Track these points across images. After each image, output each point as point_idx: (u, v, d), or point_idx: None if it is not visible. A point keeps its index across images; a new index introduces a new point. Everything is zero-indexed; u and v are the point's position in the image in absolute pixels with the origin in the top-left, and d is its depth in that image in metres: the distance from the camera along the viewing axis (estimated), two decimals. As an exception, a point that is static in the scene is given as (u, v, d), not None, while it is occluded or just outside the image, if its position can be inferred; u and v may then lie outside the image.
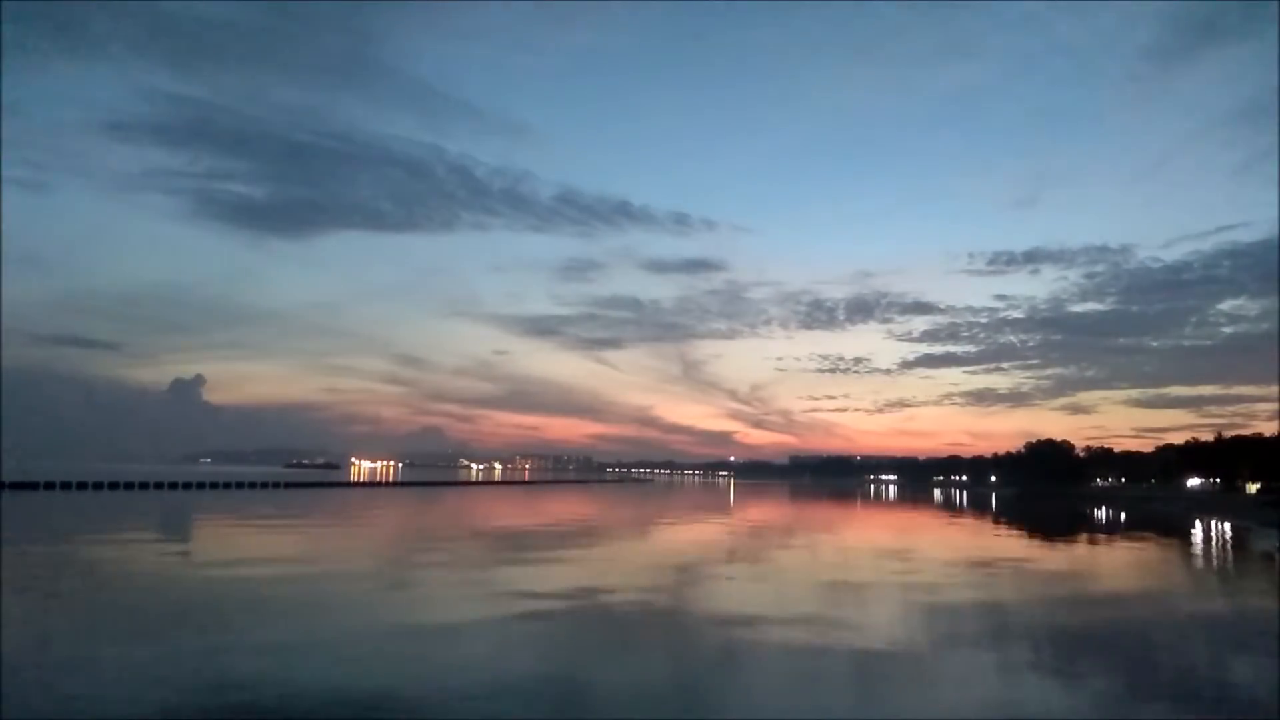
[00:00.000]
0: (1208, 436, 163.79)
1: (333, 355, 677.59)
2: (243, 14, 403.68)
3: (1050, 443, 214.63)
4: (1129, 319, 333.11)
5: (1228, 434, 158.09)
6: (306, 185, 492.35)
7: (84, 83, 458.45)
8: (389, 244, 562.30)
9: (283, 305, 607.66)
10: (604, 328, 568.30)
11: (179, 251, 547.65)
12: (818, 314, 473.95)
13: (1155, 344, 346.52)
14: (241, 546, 38.09)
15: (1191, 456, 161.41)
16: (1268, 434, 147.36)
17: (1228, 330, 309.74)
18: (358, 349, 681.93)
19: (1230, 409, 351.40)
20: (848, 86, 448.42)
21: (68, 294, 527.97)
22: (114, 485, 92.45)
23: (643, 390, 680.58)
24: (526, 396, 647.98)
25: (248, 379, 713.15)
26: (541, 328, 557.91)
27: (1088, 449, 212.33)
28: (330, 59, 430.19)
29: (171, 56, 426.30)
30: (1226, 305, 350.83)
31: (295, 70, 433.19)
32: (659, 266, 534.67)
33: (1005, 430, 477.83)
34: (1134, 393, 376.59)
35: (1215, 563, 44.85)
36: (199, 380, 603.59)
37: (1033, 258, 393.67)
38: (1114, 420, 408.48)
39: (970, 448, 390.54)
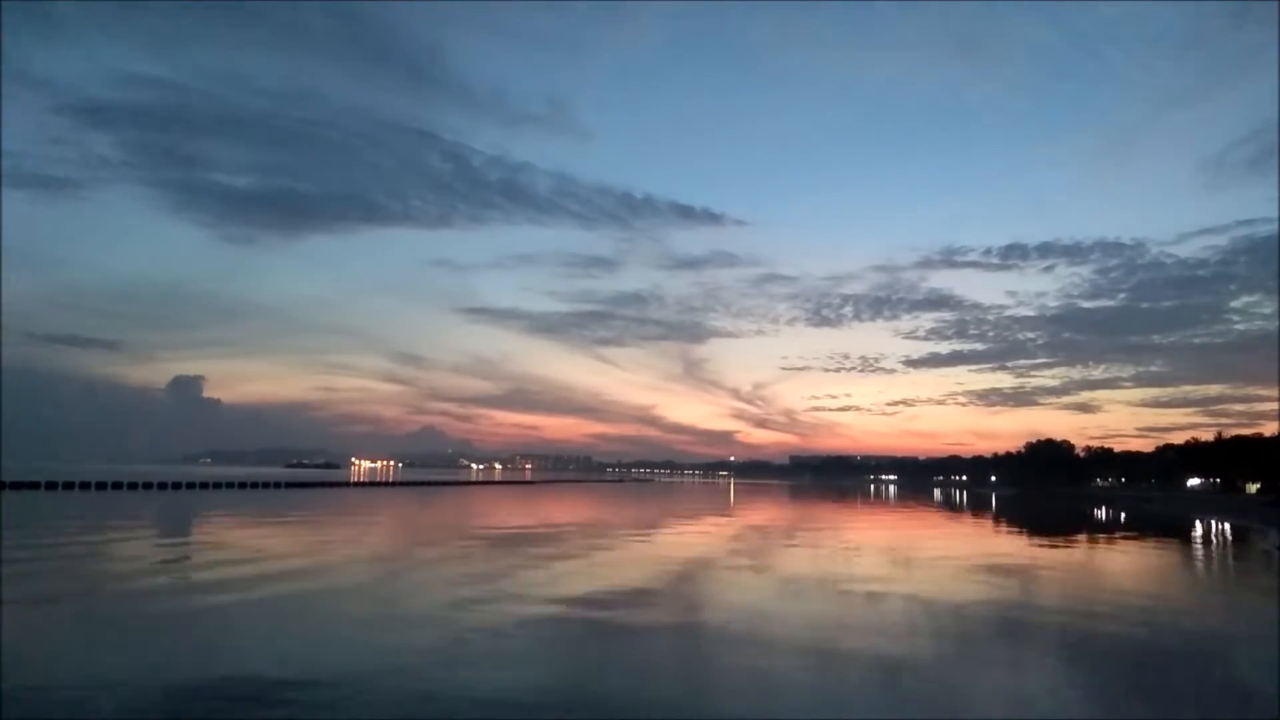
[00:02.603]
0: (1209, 437, 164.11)
1: (330, 353, 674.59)
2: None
3: (1050, 443, 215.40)
4: (1139, 316, 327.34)
5: (1237, 434, 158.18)
6: (295, 175, 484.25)
7: (57, 69, 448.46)
8: (385, 238, 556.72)
9: (277, 301, 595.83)
10: (605, 325, 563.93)
11: (167, 245, 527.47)
12: (825, 311, 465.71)
13: (1165, 342, 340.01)
14: (251, 548, 38.16)
15: (1191, 457, 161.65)
16: (1269, 434, 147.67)
17: (1240, 328, 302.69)
18: (355, 346, 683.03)
19: (1241, 408, 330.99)
20: (856, 81, 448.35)
21: (58, 290, 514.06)
22: (116, 485, 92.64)
23: (644, 389, 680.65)
24: (526, 396, 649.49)
25: (246, 377, 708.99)
26: (541, 325, 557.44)
27: (1088, 449, 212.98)
28: (315, 40, 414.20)
29: (145, 38, 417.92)
30: (1240, 302, 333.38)
31: (279, 52, 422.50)
32: (662, 262, 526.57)
33: (1011, 430, 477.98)
34: (1142, 392, 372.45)
35: (1215, 562, 44.97)
36: (199, 379, 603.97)
37: (1046, 253, 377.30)
38: (1121, 420, 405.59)
39: (974, 447, 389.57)
